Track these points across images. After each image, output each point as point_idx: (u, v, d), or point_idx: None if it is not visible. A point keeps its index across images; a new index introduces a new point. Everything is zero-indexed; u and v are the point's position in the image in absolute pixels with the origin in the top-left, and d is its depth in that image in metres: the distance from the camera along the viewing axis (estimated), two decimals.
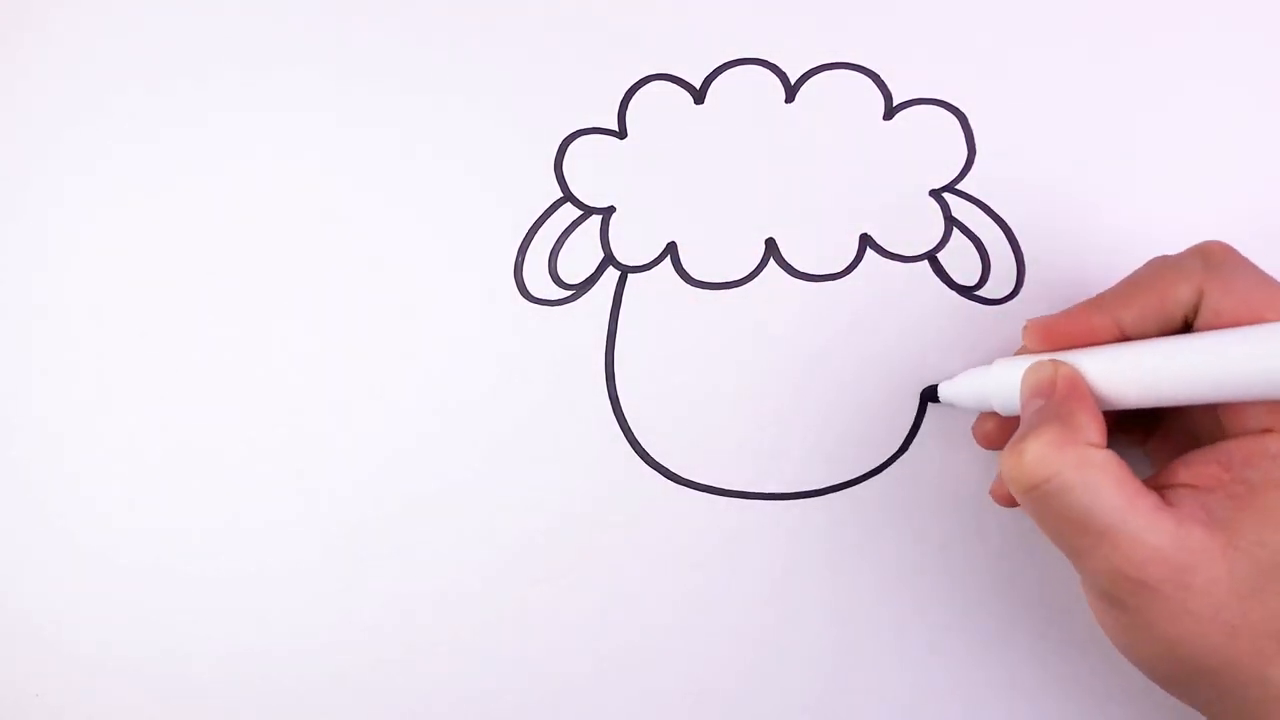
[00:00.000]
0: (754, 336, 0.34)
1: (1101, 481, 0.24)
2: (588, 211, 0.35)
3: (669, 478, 0.33)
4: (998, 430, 0.31)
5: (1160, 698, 0.28)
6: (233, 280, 0.36)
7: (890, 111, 0.34)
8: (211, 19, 0.38)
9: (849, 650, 0.32)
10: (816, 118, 0.35)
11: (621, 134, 0.35)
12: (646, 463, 0.34)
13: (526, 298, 0.35)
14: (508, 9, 0.36)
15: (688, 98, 0.35)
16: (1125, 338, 0.27)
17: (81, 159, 0.37)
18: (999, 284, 0.33)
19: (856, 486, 0.33)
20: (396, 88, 0.36)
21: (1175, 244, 0.33)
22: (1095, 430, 0.25)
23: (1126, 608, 0.25)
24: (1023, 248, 0.33)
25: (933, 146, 0.34)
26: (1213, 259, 0.26)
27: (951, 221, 0.34)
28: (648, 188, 0.35)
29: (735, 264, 0.34)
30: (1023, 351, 0.29)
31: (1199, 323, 0.26)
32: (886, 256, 0.34)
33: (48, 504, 0.35)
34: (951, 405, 0.31)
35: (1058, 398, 0.26)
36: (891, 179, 0.34)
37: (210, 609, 0.34)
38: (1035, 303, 0.33)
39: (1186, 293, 0.26)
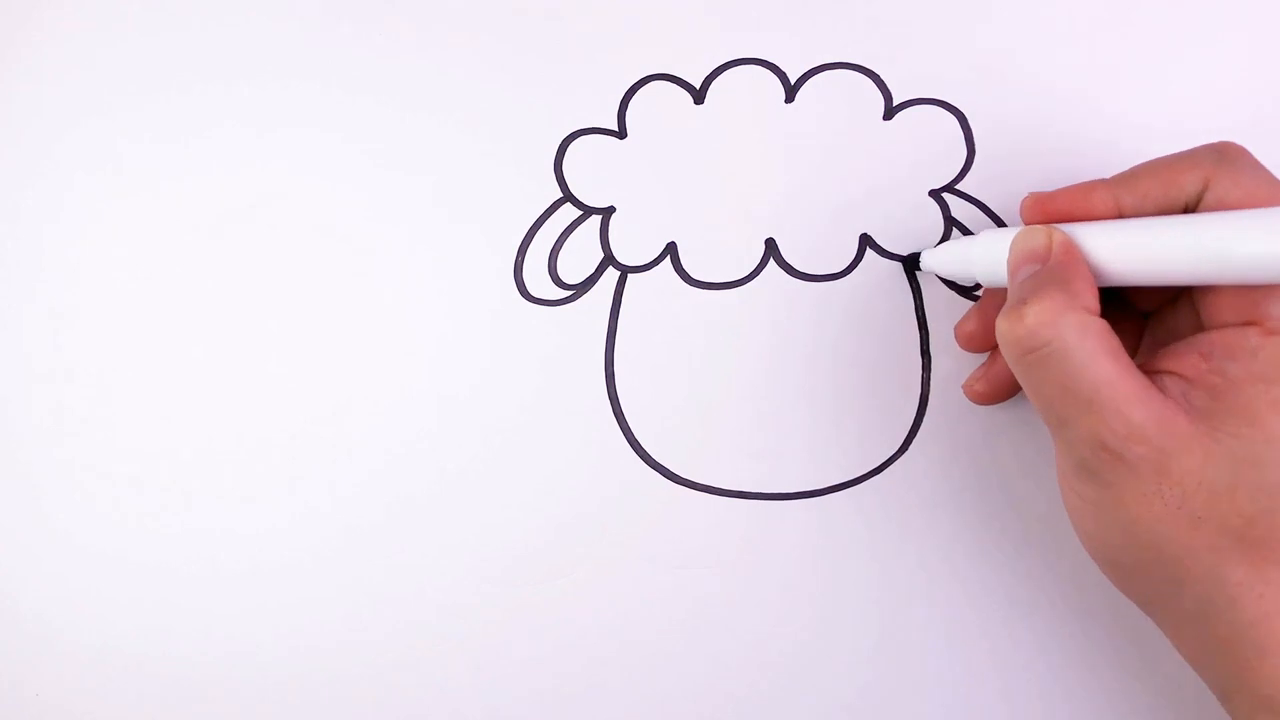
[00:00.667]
0: (754, 336, 0.34)
1: (1098, 349, 0.24)
2: (588, 211, 0.35)
3: (669, 478, 0.33)
4: (981, 333, 0.31)
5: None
6: (232, 281, 0.36)
7: (890, 111, 0.34)
8: (212, 23, 0.38)
9: (849, 650, 0.32)
10: (816, 118, 0.35)
11: (621, 134, 0.35)
12: (646, 463, 0.34)
13: (526, 298, 0.35)
14: (508, 9, 0.36)
15: (688, 98, 0.35)
16: (1123, 217, 0.27)
17: (82, 162, 0.37)
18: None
19: (856, 486, 0.33)
20: (396, 88, 0.36)
21: None
22: (1092, 297, 0.25)
23: (1099, 481, 0.25)
24: None
25: (933, 146, 0.34)
26: (1226, 154, 0.26)
27: (951, 221, 0.34)
28: (648, 188, 0.35)
29: (735, 264, 0.34)
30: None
31: (1201, 209, 0.26)
32: (886, 256, 0.34)
33: (48, 504, 0.35)
34: (933, 273, 0.31)
35: (1054, 262, 0.26)
36: (891, 179, 0.34)
37: (211, 609, 0.34)
38: None
39: (1194, 181, 0.26)
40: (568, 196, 0.35)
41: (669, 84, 0.35)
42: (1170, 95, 0.34)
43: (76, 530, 0.35)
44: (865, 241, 0.34)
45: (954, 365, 0.33)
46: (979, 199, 0.34)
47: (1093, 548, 0.27)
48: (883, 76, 0.35)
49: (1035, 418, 0.33)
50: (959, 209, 0.34)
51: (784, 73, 0.35)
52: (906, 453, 0.33)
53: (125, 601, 0.35)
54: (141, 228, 0.37)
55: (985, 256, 0.28)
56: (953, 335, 0.33)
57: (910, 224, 0.34)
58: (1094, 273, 0.26)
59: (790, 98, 0.35)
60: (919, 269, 0.32)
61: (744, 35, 0.35)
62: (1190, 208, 0.26)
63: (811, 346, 0.33)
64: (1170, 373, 0.26)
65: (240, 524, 0.35)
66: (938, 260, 0.31)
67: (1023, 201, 0.28)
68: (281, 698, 0.34)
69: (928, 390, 0.33)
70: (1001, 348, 0.26)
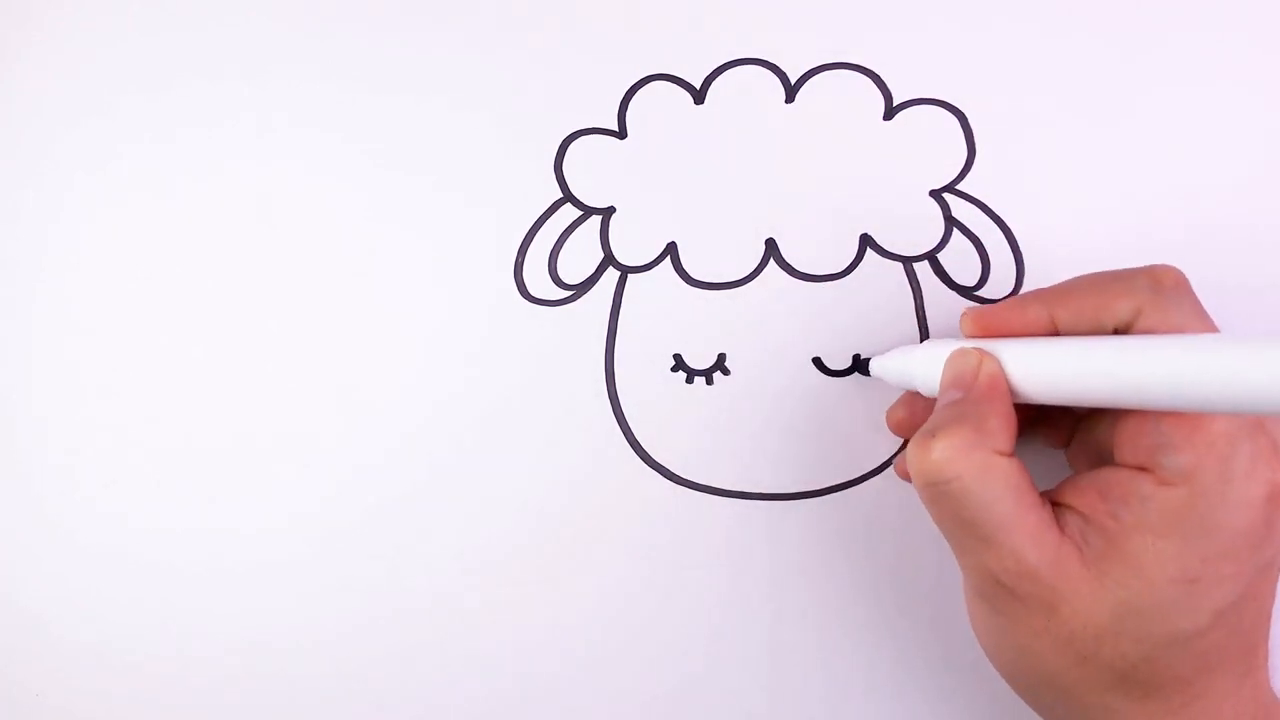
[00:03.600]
0: (754, 336, 0.34)
1: (999, 490, 0.25)
2: (588, 212, 0.35)
3: (669, 478, 0.34)
4: (908, 420, 0.31)
5: None
6: (232, 281, 0.36)
7: (890, 111, 0.34)
8: (212, 23, 0.38)
9: (848, 650, 0.32)
10: (816, 118, 0.35)
11: (621, 134, 0.35)
12: (646, 463, 0.34)
13: (526, 298, 0.35)
14: (508, 9, 0.36)
15: (688, 98, 0.35)
16: (1057, 334, 0.27)
17: (81, 161, 0.37)
18: (999, 284, 0.33)
19: (856, 486, 0.33)
20: (396, 88, 0.36)
21: (1175, 244, 0.33)
22: (1004, 437, 0.25)
23: (995, 609, 0.26)
24: (1022, 248, 0.33)
25: (933, 146, 0.34)
26: (1162, 283, 0.26)
27: (951, 221, 0.34)
28: (648, 188, 0.35)
29: (735, 264, 0.34)
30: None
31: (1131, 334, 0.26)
32: (886, 256, 0.34)
33: (48, 504, 0.35)
34: (880, 380, 0.31)
35: (974, 395, 0.26)
36: (891, 179, 0.34)
37: (211, 608, 0.34)
38: None
39: (1126, 308, 0.26)
40: (568, 196, 0.35)
41: (669, 84, 0.35)
42: (1172, 94, 0.34)
43: (76, 530, 0.35)
44: (865, 241, 0.34)
45: None
46: (979, 199, 0.34)
47: (994, 663, 0.28)
48: (883, 76, 0.35)
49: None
50: (959, 209, 0.34)
51: (784, 73, 0.35)
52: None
53: (125, 601, 0.35)
54: (140, 227, 0.37)
55: (924, 371, 0.29)
56: (953, 336, 0.33)
57: (910, 224, 0.34)
58: (1017, 392, 0.26)
59: (790, 98, 0.35)
60: (867, 373, 0.32)
61: (744, 35, 0.35)
62: (1120, 331, 0.26)
63: (811, 346, 0.33)
64: (1071, 508, 0.26)
65: (241, 523, 0.35)
66: (884, 369, 0.31)
67: (962, 315, 0.29)
68: (282, 697, 0.34)
69: None
70: (910, 471, 0.26)
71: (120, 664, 0.34)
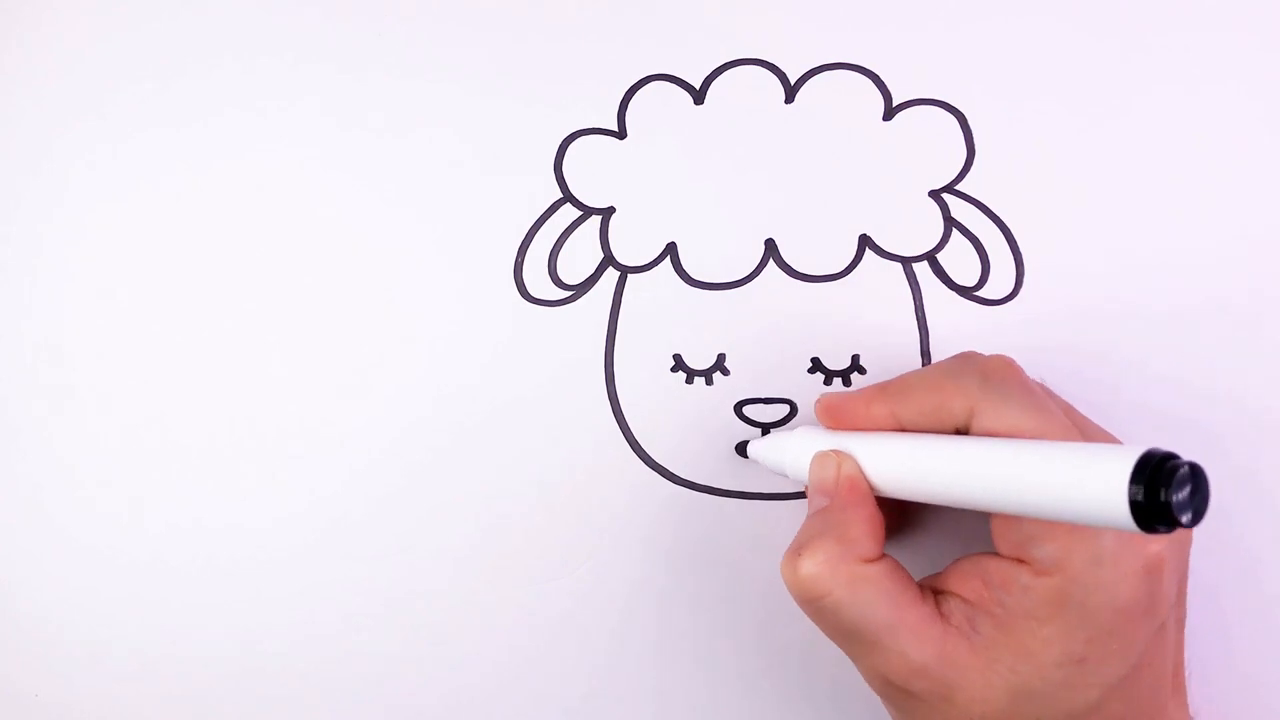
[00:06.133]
0: (754, 336, 0.34)
1: (872, 598, 0.25)
2: (588, 212, 0.35)
3: (669, 478, 0.34)
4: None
5: None
6: (231, 281, 0.36)
7: (890, 112, 0.34)
8: (208, 18, 0.37)
9: None
10: (816, 118, 0.35)
11: (621, 134, 0.35)
12: (646, 463, 0.34)
13: (526, 298, 0.35)
14: (507, 9, 0.36)
15: (688, 98, 0.35)
16: (903, 430, 0.27)
17: (80, 158, 0.37)
18: (999, 284, 0.33)
19: None
20: (396, 88, 0.36)
21: (1176, 243, 0.33)
22: (870, 543, 0.26)
23: (895, 706, 0.27)
24: (1022, 248, 0.33)
25: (932, 146, 0.34)
26: (990, 379, 0.26)
27: (951, 222, 0.34)
28: (648, 188, 0.35)
29: (735, 264, 0.34)
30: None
31: (970, 434, 0.26)
32: (886, 257, 0.34)
33: (48, 504, 0.35)
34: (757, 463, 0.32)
35: (836, 504, 0.27)
36: (891, 179, 0.34)
37: (212, 608, 0.34)
38: (1035, 303, 0.33)
39: (960, 408, 0.26)
40: (568, 197, 0.35)
41: (669, 84, 0.35)
42: (1172, 93, 0.34)
43: (76, 530, 0.35)
44: (865, 241, 0.34)
45: None
46: (979, 199, 0.34)
47: None
48: (883, 76, 0.35)
49: None
50: (959, 209, 0.34)
51: (784, 73, 0.35)
52: None
53: (125, 600, 0.35)
54: (139, 227, 0.36)
55: (793, 464, 0.29)
56: (953, 336, 0.33)
57: (910, 224, 0.34)
58: (879, 489, 0.27)
59: (790, 98, 0.35)
60: (745, 455, 0.33)
61: (744, 35, 0.35)
62: (961, 430, 0.26)
63: (811, 346, 0.33)
64: (957, 595, 0.26)
65: (241, 522, 0.35)
66: (759, 454, 0.32)
67: (816, 404, 0.29)
68: (282, 696, 0.34)
69: None
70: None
71: (120, 664, 0.34)
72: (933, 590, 0.27)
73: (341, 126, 0.36)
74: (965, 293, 0.33)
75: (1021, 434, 0.25)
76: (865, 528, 0.26)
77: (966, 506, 0.25)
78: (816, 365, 0.33)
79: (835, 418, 0.29)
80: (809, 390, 0.33)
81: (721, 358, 0.34)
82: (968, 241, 0.33)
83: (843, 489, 0.27)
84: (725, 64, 0.35)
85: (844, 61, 0.35)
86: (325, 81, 0.37)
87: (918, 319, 0.33)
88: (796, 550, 0.26)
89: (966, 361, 0.28)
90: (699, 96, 0.35)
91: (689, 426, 0.34)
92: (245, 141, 0.37)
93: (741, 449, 0.33)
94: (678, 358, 0.34)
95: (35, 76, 0.38)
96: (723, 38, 0.35)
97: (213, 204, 0.36)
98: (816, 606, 0.26)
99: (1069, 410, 0.28)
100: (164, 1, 0.38)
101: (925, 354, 0.33)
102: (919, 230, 0.34)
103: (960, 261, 0.33)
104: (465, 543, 0.34)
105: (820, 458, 0.28)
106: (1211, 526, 0.33)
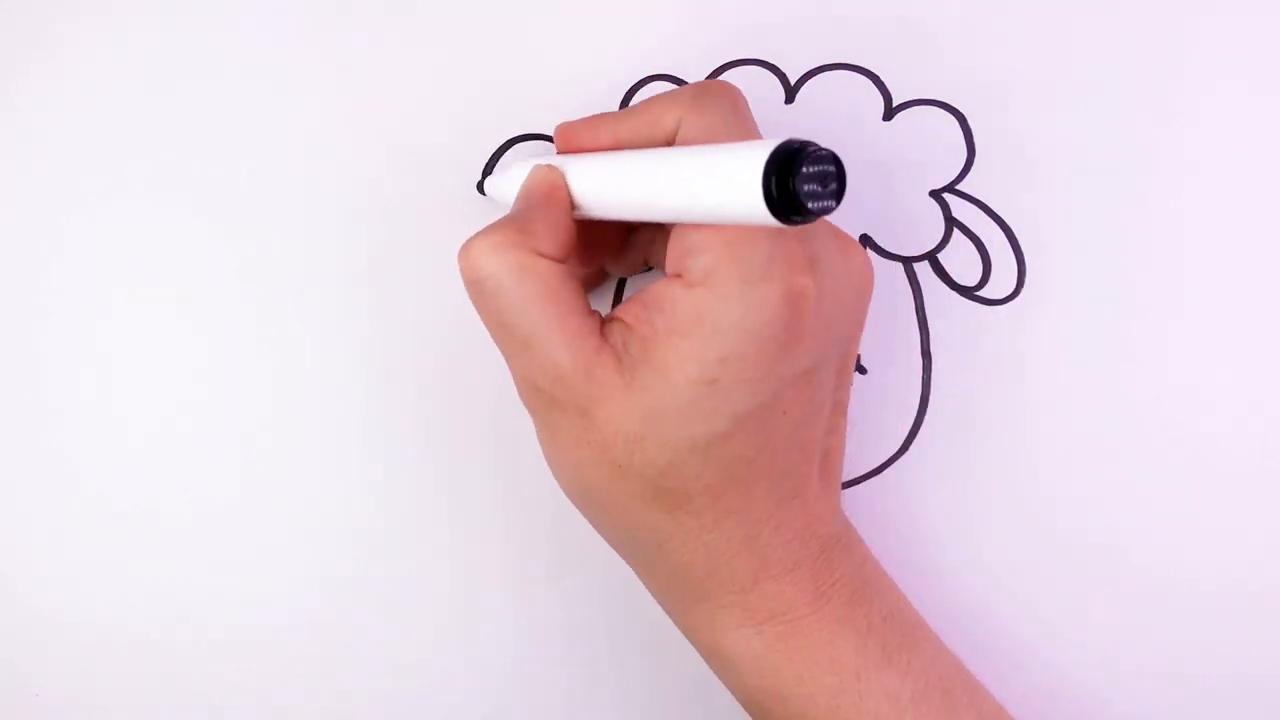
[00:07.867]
0: None
1: (536, 293, 0.25)
2: None
3: None
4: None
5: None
6: (230, 280, 0.36)
7: (890, 112, 0.34)
8: (212, 24, 0.37)
9: None
10: (816, 118, 0.35)
11: None
12: None
13: None
14: (507, 9, 0.36)
15: None
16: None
17: (79, 156, 0.37)
18: (999, 284, 0.33)
19: (856, 486, 0.33)
20: (395, 88, 0.36)
21: (1176, 243, 0.33)
22: (551, 241, 0.26)
23: (538, 419, 0.26)
24: (1023, 248, 0.33)
25: (933, 146, 0.34)
26: (705, 91, 0.26)
27: (951, 222, 0.34)
28: None
29: None
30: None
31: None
32: (886, 256, 0.34)
33: (47, 502, 0.35)
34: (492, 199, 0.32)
35: (526, 201, 0.27)
36: (891, 179, 0.34)
37: (213, 608, 0.34)
38: (1036, 303, 0.33)
39: (670, 119, 0.26)
40: None
41: (669, 84, 0.35)
42: (1172, 92, 0.34)
43: (77, 529, 0.35)
44: (865, 241, 0.34)
45: (955, 365, 0.33)
46: (979, 199, 0.34)
47: (558, 483, 0.28)
48: (882, 76, 0.35)
49: (1033, 419, 0.33)
50: (959, 209, 0.34)
51: (784, 73, 0.35)
52: (907, 453, 0.33)
53: (125, 600, 0.35)
54: (141, 226, 0.36)
55: (515, 189, 0.29)
56: (954, 336, 0.33)
57: (910, 224, 0.34)
58: (581, 206, 0.27)
59: (790, 98, 0.35)
60: (484, 192, 0.33)
61: (744, 35, 0.35)
62: (668, 143, 0.26)
63: None
64: (619, 319, 0.26)
65: (241, 521, 0.35)
66: (494, 189, 0.32)
67: (555, 128, 0.30)
68: (282, 696, 0.34)
69: (928, 390, 0.33)
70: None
71: (120, 663, 0.34)
72: (607, 319, 0.27)
73: (340, 128, 0.36)
74: (966, 292, 0.33)
75: (717, 137, 0.25)
76: (549, 226, 0.26)
77: (640, 218, 0.25)
78: None
79: (564, 139, 0.29)
80: None
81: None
82: (968, 241, 0.33)
83: (539, 190, 0.27)
84: (725, 64, 0.35)
85: (844, 62, 0.35)
86: (324, 83, 0.36)
87: (918, 319, 0.33)
88: (475, 234, 0.26)
89: (691, 85, 0.28)
90: None
91: None
92: (244, 144, 0.36)
93: (480, 185, 0.33)
94: None
95: (34, 75, 0.38)
96: (723, 38, 0.35)
97: (211, 206, 0.36)
98: (479, 289, 0.26)
99: None
100: (166, 9, 0.38)
101: (926, 354, 0.33)
102: (920, 230, 0.34)
103: (961, 261, 0.33)
104: (463, 542, 0.34)
105: (533, 170, 0.28)
106: (1212, 526, 0.33)
